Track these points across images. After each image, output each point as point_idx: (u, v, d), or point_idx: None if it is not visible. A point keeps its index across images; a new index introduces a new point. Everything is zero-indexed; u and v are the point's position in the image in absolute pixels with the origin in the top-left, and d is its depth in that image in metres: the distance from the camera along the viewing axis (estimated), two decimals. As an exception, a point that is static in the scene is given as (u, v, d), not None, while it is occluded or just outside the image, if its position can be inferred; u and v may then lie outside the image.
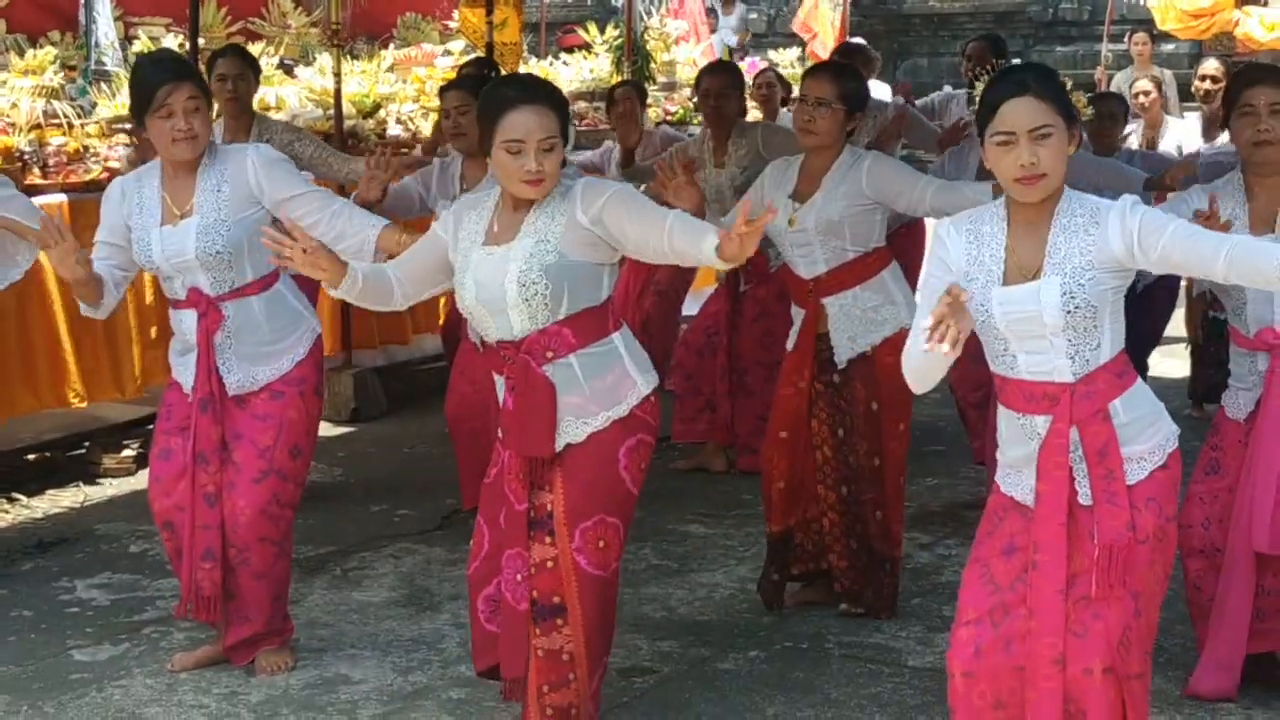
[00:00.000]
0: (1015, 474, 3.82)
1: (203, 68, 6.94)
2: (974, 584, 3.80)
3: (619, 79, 10.98)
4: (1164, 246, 3.58)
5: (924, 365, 3.62)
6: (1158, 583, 3.77)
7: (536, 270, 4.16)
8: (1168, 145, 9.28)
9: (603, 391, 4.25)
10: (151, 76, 4.80)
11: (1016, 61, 6.92)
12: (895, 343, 5.25)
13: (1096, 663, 3.65)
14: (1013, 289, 3.67)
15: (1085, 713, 3.67)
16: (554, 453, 4.23)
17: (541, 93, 4.24)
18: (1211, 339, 7.66)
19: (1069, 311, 3.62)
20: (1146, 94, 9.92)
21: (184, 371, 4.98)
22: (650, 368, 4.38)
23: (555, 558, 4.24)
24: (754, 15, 21.97)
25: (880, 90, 12.07)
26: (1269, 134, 4.63)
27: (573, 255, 4.18)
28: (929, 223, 8.07)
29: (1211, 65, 8.80)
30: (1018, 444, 3.79)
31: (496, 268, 4.20)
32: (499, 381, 4.36)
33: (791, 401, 5.42)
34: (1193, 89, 8.97)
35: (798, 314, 5.44)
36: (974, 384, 6.60)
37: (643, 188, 5.85)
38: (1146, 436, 3.74)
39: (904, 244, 7.32)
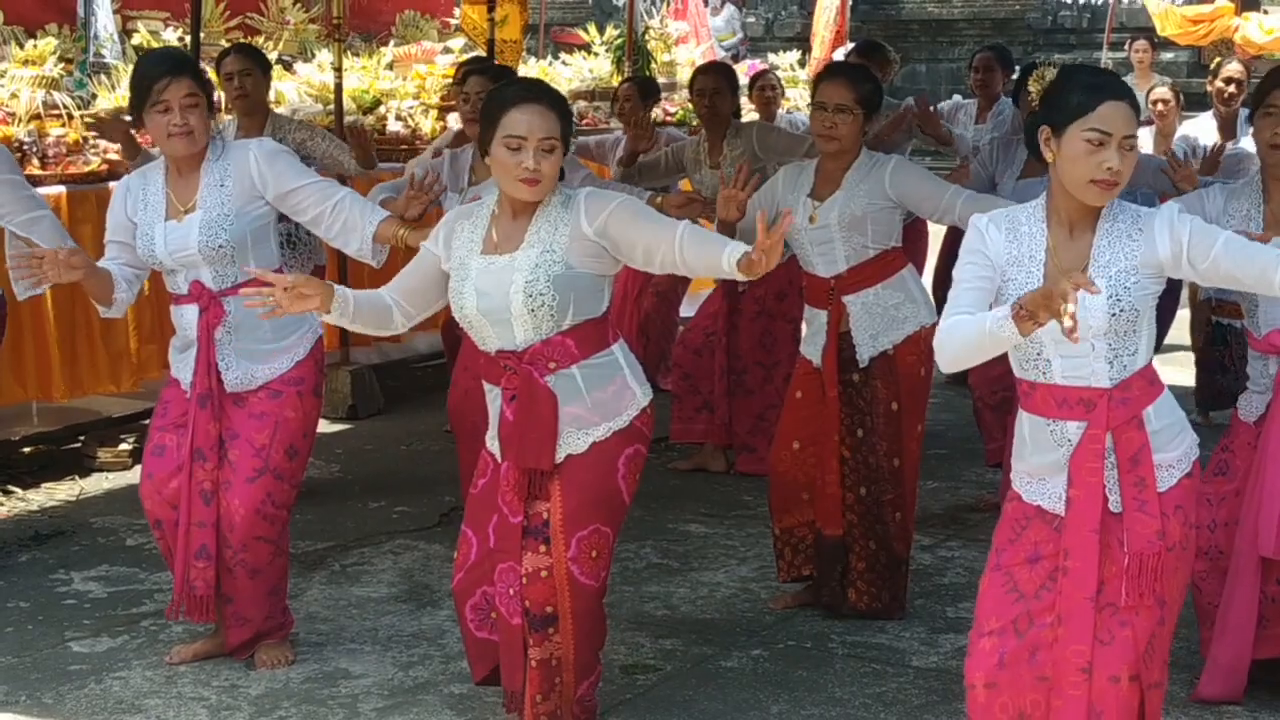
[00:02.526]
0: (1039, 481, 3.76)
1: (207, 67, 6.89)
2: (995, 592, 3.75)
3: (619, 79, 10.95)
4: (1215, 257, 3.55)
5: (979, 341, 3.46)
6: (1181, 590, 3.74)
7: (544, 281, 4.12)
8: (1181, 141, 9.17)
9: (604, 403, 4.23)
10: (149, 71, 4.79)
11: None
12: (916, 341, 5.25)
13: (1123, 670, 3.63)
14: None
15: None
16: (554, 465, 4.20)
17: (546, 94, 4.23)
18: (1215, 344, 7.63)
19: (1114, 315, 3.57)
20: (1165, 102, 9.81)
21: (183, 368, 4.94)
22: (645, 379, 4.36)
23: (549, 567, 4.20)
24: (751, 19, 21.96)
25: None
26: None
27: (579, 266, 4.15)
28: (930, 225, 8.07)
29: (1234, 67, 8.71)
30: (1045, 450, 3.72)
31: (500, 277, 4.16)
32: (493, 392, 4.32)
33: (809, 409, 5.37)
34: (1212, 90, 8.88)
35: (814, 316, 5.38)
36: (994, 384, 6.56)
37: (645, 196, 5.78)
38: (1175, 444, 3.71)
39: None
